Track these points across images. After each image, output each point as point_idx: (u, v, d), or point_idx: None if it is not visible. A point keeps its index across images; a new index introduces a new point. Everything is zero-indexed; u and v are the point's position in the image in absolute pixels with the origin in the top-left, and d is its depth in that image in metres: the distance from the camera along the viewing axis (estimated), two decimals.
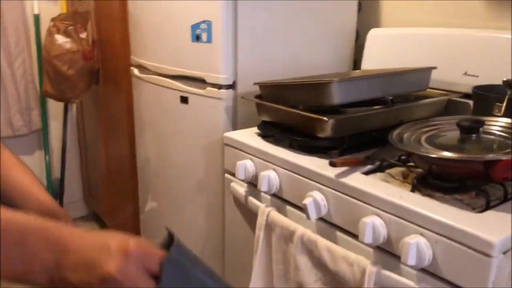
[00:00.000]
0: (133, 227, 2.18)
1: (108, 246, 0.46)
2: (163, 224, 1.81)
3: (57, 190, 2.60)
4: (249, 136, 1.29)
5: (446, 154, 0.91)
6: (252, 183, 1.23)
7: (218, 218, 1.48)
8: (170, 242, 0.51)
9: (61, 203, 2.57)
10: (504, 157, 0.86)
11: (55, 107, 2.62)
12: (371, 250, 0.94)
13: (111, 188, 2.44)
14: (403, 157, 1.05)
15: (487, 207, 0.86)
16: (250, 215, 1.24)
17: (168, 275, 0.47)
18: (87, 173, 2.78)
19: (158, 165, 1.78)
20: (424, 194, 0.93)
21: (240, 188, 1.28)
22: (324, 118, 1.06)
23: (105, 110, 2.33)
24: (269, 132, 1.26)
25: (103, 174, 2.50)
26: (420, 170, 1.01)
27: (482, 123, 0.96)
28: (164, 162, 1.73)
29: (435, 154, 0.93)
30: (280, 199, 1.16)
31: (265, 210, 1.15)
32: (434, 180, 0.95)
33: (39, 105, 2.56)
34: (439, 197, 0.91)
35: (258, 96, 1.33)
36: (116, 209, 2.44)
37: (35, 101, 2.54)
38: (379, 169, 1.06)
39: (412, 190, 0.94)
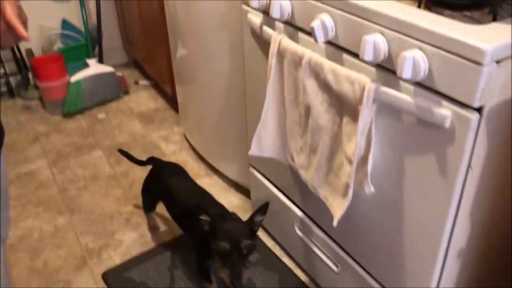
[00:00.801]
0: (168, 73, 2.26)
1: None
2: (193, 69, 1.86)
3: (95, 36, 2.66)
4: None
5: None
6: (266, 12, 1.21)
7: (239, 54, 1.51)
8: None
9: (100, 49, 2.65)
10: None
11: None
12: (373, 69, 0.95)
13: (146, 36, 2.48)
14: None
15: (493, 20, 0.83)
16: (266, 46, 1.25)
17: None
18: (124, 21, 2.81)
19: (183, 12, 1.78)
20: (433, 12, 0.89)
21: (256, 19, 1.27)
22: None
23: None
24: None
25: (137, 22, 2.52)
26: None
27: None
28: (188, 7, 1.72)
29: None
30: (292, 27, 1.16)
31: (277, 37, 1.16)
32: None
33: None
34: (448, 15, 0.88)
35: None
36: (151, 56, 2.51)
37: None
38: None
39: (418, 6, 0.90)
